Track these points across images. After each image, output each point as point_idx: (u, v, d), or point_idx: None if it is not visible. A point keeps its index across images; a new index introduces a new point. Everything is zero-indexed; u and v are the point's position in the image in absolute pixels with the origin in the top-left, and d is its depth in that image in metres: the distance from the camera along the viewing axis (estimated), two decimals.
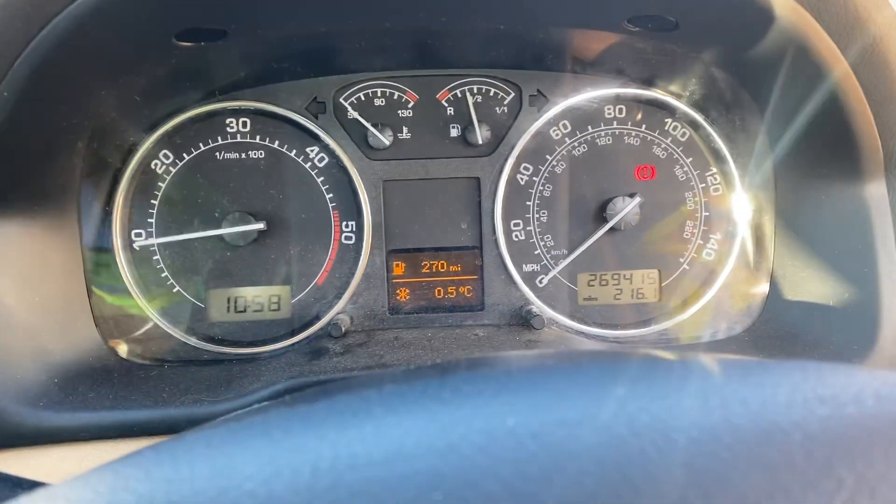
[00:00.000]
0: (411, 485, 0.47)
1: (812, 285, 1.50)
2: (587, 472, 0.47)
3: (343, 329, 1.55)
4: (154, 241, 1.59)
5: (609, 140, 1.65)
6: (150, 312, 1.60)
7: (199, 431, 0.59)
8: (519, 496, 0.46)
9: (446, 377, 0.59)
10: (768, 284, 1.61)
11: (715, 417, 0.51)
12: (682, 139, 1.64)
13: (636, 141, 1.65)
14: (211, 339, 1.61)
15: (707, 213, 1.66)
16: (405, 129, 1.64)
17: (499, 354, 1.19)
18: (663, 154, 1.65)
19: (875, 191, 1.37)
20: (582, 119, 1.64)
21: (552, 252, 1.66)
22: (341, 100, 1.62)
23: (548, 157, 1.64)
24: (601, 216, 1.63)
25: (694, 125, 1.63)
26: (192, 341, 1.60)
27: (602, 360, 0.62)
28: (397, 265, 1.66)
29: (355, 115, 1.61)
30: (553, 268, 1.66)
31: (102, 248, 1.55)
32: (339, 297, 1.62)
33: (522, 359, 0.70)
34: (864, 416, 0.51)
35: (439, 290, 1.67)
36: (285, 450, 0.51)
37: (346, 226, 1.64)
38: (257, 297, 1.63)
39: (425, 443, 0.50)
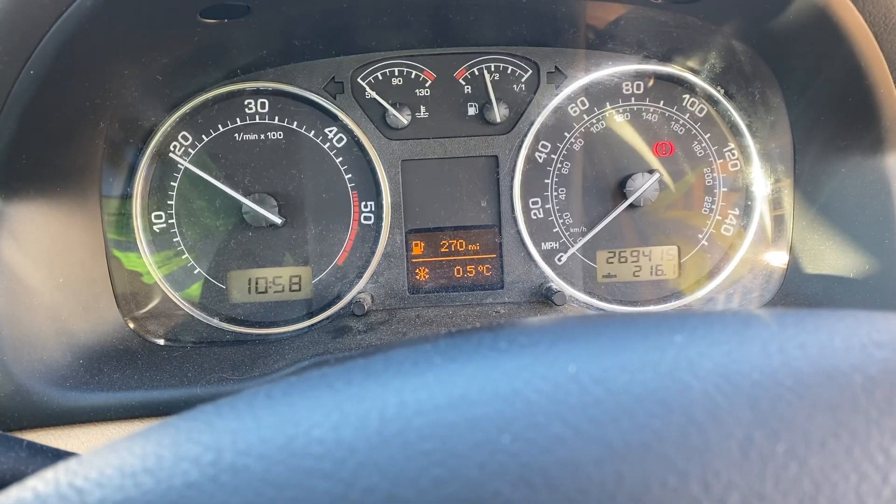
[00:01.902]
0: (480, 428, 0.47)
1: (832, 258, 1.50)
2: (653, 414, 0.47)
3: (365, 308, 1.55)
4: (174, 222, 1.60)
5: (627, 116, 1.65)
6: (171, 294, 1.60)
7: (254, 389, 0.59)
8: (586, 437, 0.46)
9: (499, 331, 0.60)
10: (788, 258, 1.61)
11: (775, 362, 0.51)
12: (700, 115, 1.64)
13: (654, 117, 1.65)
14: (233, 320, 1.62)
15: (725, 189, 1.66)
16: (423, 109, 1.64)
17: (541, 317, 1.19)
18: (681, 130, 1.65)
19: (895, 161, 1.37)
20: (600, 96, 1.64)
21: (571, 230, 1.66)
22: (359, 80, 1.62)
23: (566, 134, 1.64)
24: (620, 193, 1.63)
25: (712, 101, 1.63)
26: (214, 322, 1.60)
27: (653, 315, 0.63)
28: (416, 244, 1.66)
29: (373, 94, 1.61)
30: (572, 245, 1.66)
31: (123, 230, 1.56)
32: (359, 276, 1.63)
33: (564, 319, 0.71)
34: None
35: (458, 269, 1.67)
36: (349, 398, 0.51)
37: (366, 206, 1.64)
38: (278, 278, 1.63)
39: (490, 389, 0.50)
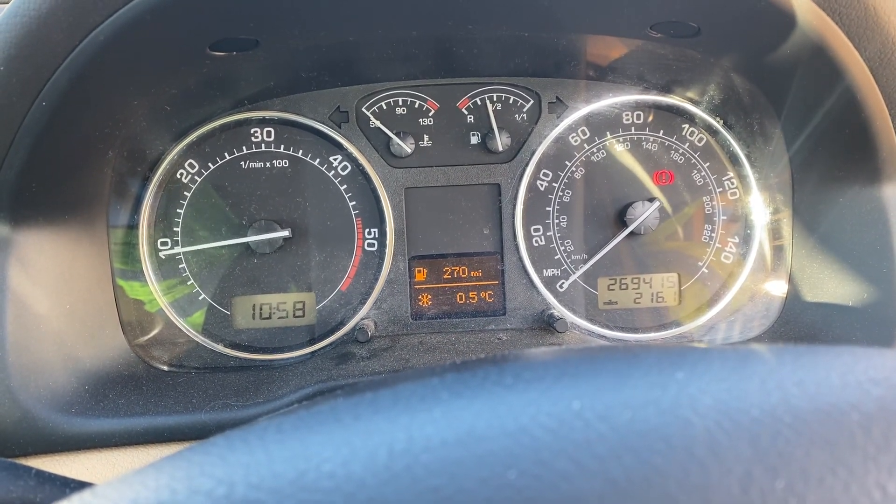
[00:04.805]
0: (486, 464, 0.48)
1: (831, 286, 1.52)
2: (656, 451, 0.48)
3: (369, 334, 1.57)
4: (180, 249, 1.62)
5: (627, 146, 1.67)
6: (176, 320, 1.61)
7: (263, 421, 0.60)
8: (590, 473, 0.48)
9: (504, 366, 0.61)
10: (787, 286, 1.63)
11: (774, 399, 0.52)
12: (700, 144, 1.67)
13: (654, 146, 1.67)
14: (237, 346, 1.63)
15: (725, 217, 1.68)
16: (426, 137, 1.66)
17: (544, 349, 1.20)
18: (681, 159, 1.67)
19: (893, 191, 1.39)
20: (600, 125, 1.67)
21: (572, 257, 1.68)
22: (364, 109, 1.64)
23: (567, 162, 1.67)
24: (620, 221, 1.65)
25: (711, 130, 1.66)
26: (219, 348, 1.62)
27: (655, 350, 0.64)
28: (419, 271, 1.68)
29: (377, 123, 1.64)
30: (573, 272, 1.68)
31: (130, 257, 1.58)
32: (362, 302, 1.65)
33: (569, 351, 0.72)
34: None
35: (461, 296, 1.68)
36: (359, 433, 0.52)
37: (369, 233, 1.66)
38: (282, 304, 1.65)
39: (496, 425, 0.51)
